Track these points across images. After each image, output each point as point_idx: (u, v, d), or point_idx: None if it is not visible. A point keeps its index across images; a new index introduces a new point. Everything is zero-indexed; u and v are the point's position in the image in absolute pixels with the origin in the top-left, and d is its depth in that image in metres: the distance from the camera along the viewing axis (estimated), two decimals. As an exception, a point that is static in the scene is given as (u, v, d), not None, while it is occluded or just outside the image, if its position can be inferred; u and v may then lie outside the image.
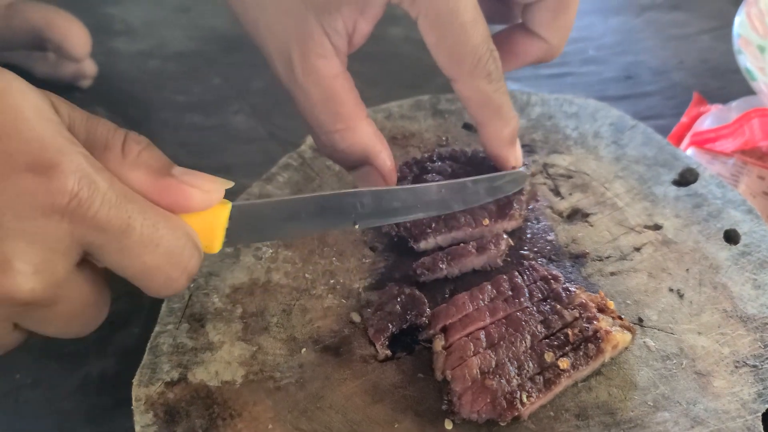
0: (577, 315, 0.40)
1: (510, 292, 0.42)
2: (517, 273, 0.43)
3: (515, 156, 0.47)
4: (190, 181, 0.35)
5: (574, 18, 0.45)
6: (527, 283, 0.42)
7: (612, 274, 0.45)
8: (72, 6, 0.72)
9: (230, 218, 0.36)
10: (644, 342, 0.41)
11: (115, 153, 0.33)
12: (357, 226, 0.40)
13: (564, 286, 0.42)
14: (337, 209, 0.40)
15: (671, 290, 0.44)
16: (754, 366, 0.40)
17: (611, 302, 0.41)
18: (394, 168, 0.44)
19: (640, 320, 0.42)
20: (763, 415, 0.38)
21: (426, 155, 0.50)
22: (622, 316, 0.41)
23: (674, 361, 0.40)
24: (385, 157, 0.43)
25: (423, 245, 0.46)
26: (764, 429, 0.37)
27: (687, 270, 0.45)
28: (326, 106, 0.41)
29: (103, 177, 0.31)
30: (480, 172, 0.48)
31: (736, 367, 0.40)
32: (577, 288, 0.41)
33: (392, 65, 0.78)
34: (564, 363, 0.38)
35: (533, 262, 0.44)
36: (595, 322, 0.39)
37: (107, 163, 0.33)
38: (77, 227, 0.30)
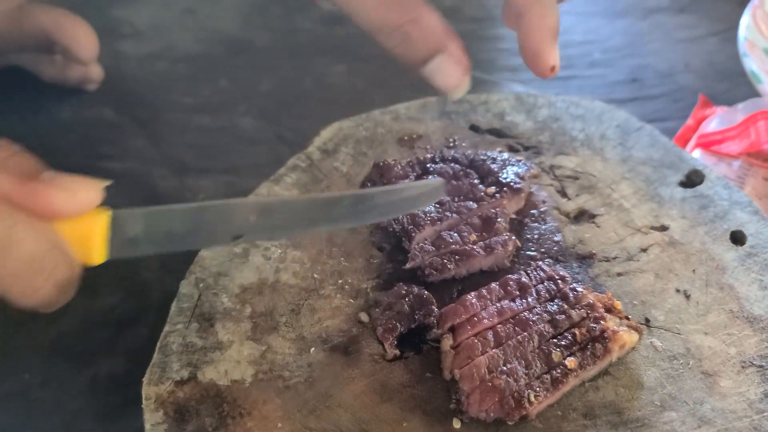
0: (585, 315, 0.40)
1: (517, 293, 0.42)
2: (524, 273, 0.43)
3: (555, 54, 0.43)
4: (59, 184, 0.33)
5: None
6: (534, 283, 0.42)
7: (619, 274, 0.45)
8: (80, 9, 0.72)
9: (113, 227, 0.35)
10: (651, 342, 0.41)
11: None
12: (238, 240, 0.38)
13: (571, 286, 0.42)
14: (218, 222, 0.37)
15: (678, 291, 0.44)
16: (761, 366, 0.40)
17: (618, 302, 0.41)
18: (466, 55, 0.42)
19: (647, 320, 0.43)
20: (771, 415, 0.38)
21: (429, 156, 0.50)
22: (629, 317, 0.41)
23: (681, 361, 0.40)
24: (457, 42, 0.41)
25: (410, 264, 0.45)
26: (772, 429, 0.38)
27: (693, 271, 0.45)
28: (391, 3, 0.39)
29: None
30: (482, 176, 0.48)
31: (743, 367, 0.40)
32: (584, 288, 0.42)
33: (399, 66, 0.78)
34: (571, 362, 0.38)
35: (540, 263, 0.44)
36: (602, 322, 0.40)
37: None
38: None
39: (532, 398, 0.37)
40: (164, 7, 0.87)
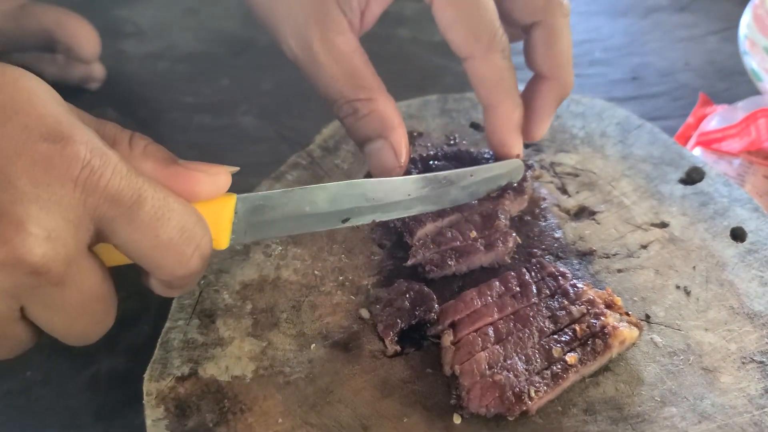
0: (585, 311, 0.40)
1: (518, 289, 0.42)
2: (524, 270, 0.43)
3: (520, 145, 0.47)
4: (197, 168, 0.36)
5: (570, 48, 0.46)
6: (535, 279, 0.43)
7: (619, 271, 0.45)
8: (82, 8, 0.73)
9: (236, 211, 0.37)
10: (651, 338, 0.41)
11: (123, 146, 0.34)
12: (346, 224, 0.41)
13: (572, 282, 0.42)
14: (330, 205, 0.40)
15: (678, 287, 0.44)
16: (761, 362, 0.40)
17: (618, 299, 0.41)
18: (408, 148, 0.44)
19: (647, 317, 0.43)
20: (771, 410, 0.38)
21: (431, 152, 0.51)
22: (629, 313, 0.41)
23: (681, 357, 0.41)
24: (400, 134, 0.44)
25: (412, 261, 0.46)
26: (772, 424, 0.38)
27: (694, 267, 0.45)
28: (348, 80, 0.42)
29: (114, 151, 0.32)
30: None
31: (743, 363, 0.40)
32: (584, 284, 0.42)
33: (400, 66, 0.78)
34: (572, 358, 0.38)
35: (541, 259, 0.44)
36: (602, 318, 0.40)
37: None
38: (89, 197, 0.31)
39: (533, 394, 0.37)
40: (166, 6, 0.88)
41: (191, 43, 0.82)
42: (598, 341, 0.39)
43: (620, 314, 0.41)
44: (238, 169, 0.37)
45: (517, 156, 0.46)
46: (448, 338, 0.40)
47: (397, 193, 0.42)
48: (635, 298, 0.44)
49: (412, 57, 0.79)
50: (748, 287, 0.44)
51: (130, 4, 0.88)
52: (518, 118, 0.45)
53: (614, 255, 0.46)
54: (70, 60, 0.72)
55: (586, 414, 0.38)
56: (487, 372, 0.38)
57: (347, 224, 0.41)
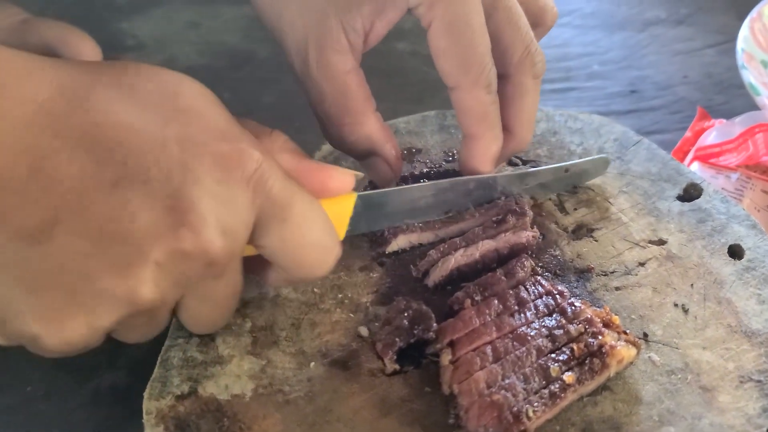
0: (583, 330, 0.40)
1: (516, 307, 0.42)
2: (523, 288, 0.43)
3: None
4: (330, 166, 0.39)
5: (534, 109, 0.48)
6: (533, 298, 0.43)
7: (617, 289, 0.46)
8: (83, 22, 0.73)
9: (355, 206, 0.40)
10: (649, 357, 0.42)
11: (264, 140, 0.37)
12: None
13: (570, 301, 0.42)
14: (453, 195, 0.46)
15: (676, 305, 0.45)
16: (759, 381, 0.40)
17: (616, 317, 0.41)
18: (399, 157, 0.47)
19: (645, 335, 0.43)
20: (768, 430, 0.38)
21: (425, 170, 0.51)
22: (627, 331, 0.41)
23: (679, 376, 0.41)
24: (390, 148, 0.46)
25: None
26: (769, 444, 0.38)
27: (691, 285, 0.46)
28: (337, 101, 0.44)
29: (270, 155, 0.35)
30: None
31: (741, 382, 0.40)
32: (582, 303, 0.42)
33: (399, 79, 0.78)
34: (569, 378, 0.38)
35: (539, 278, 0.44)
36: (600, 337, 0.40)
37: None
38: (257, 197, 0.33)
39: (531, 413, 0.37)
40: (167, 20, 0.88)
41: (192, 57, 0.82)
42: (596, 360, 0.39)
43: (618, 333, 0.41)
44: (363, 175, 0.41)
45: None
46: (446, 357, 0.40)
47: (490, 188, 0.48)
48: (633, 316, 0.44)
49: (411, 70, 0.79)
50: (746, 305, 0.44)
51: (131, 18, 0.88)
52: (495, 151, 0.46)
53: (612, 272, 0.47)
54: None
55: (585, 434, 0.38)
56: (486, 391, 0.38)
57: (449, 215, 0.47)
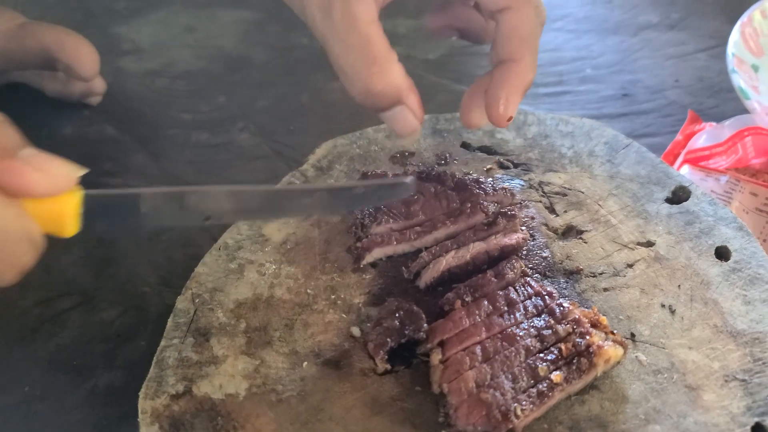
0: (571, 330, 0.41)
1: (505, 308, 0.43)
2: (512, 289, 0.44)
3: (515, 109, 0.47)
4: (37, 164, 0.34)
5: (537, 37, 0.46)
6: (522, 299, 0.43)
7: (605, 290, 0.46)
8: (81, 26, 0.74)
9: (85, 204, 0.36)
10: (636, 356, 0.42)
11: None
12: (208, 222, 0.40)
13: (558, 302, 0.43)
14: (191, 205, 0.39)
15: (663, 306, 0.45)
16: (743, 380, 0.41)
17: (604, 318, 0.42)
18: (422, 107, 0.46)
19: (633, 335, 0.44)
20: (752, 428, 0.39)
21: (416, 171, 0.52)
22: (615, 331, 0.42)
23: (665, 375, 0.41)
24: (415, 96, 0.45)
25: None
26: (752, 442, 0.38)
27: (679, 286, 0.46)
28: (363, 50, 0.43)
29: None
30: (463, 197, 0.49)
31: (726, 381, 0.41)
32: (570, 304, 0.43)
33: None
34: (557, 377, 0.39)
35: (528, 279, 0.45)
36: (587, 337, 0.41)
37: None
38: None
39: (519, 412, 0.38)
40: (164, 24, 0.89)
41: (189, 61, 0.83)
42: (584, 360, 0.40)
43: (605, 333, 0.41)
44: (86, 170, 0.36)
45: (509, 120, 0.46)
46: (436, 357, 0.41)
47: (244, 201, 0.41)
48: (621, 317, 0.45)
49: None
50: (732, 306, 0.45)
51: (129, 22, 0.89)
52: (530, 81, 0.46)
53: (601, 274, 0.47)
54: (70, 77, 0.73)
55: (571, 431, 0.39)
56: (475, 390, 0.38)
57: (209, 222, 0.40)
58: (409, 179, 0.43)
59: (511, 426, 0.37)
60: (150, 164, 0.69)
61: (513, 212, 0.48)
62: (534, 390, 0.39)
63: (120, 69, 0.81)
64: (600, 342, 0.40)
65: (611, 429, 0.39)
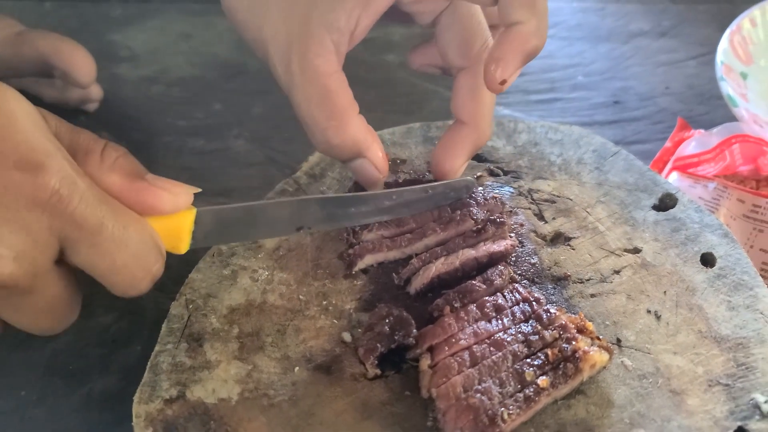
0: (557, 335, 0.42)
1: (494, 314, 0.44)
2: (500, 295, 0.45)
3: (461, 170, 0.50)
4: (161, 185, 0.39)
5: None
6: (510, 305, 0.44)
7: (592, 296, 0.47)
8: (78, 33, 0.75)
9: (196, 222, 0.41)
10: (622, 361, 0.43)
11: (94, 157, 0.37)
12: (309, 230, 0.45)
13: (545, 308, 0.44)
14: (288, 216, 0.44)
15: (649, 312, 0.46)
16: (727, 385, 0.42)
17: (590, 323, 0.43)
18: (385, 159, 0.48)
19: (619, 341, 0.44)
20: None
21: (408, 178, 0.53)
22: (601, 337, 0.42)
23: (650, 380, 0.42)
24: (376, 150, 0.47)
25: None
26: (735, 446, 0.39)
27: (664, 292, 0.47)
28: (320, 104, 0.44)
29: (83, 180, 0.35)
30: (454, 206, 0.50)
31: (710, 385, 0.42)
32: (557, 309, 0.43)
33: (387, 90, 0.80)
34: (544, 382, 0.40)
35: (516, 285, 0.46)
36: (574, 343, 0.41)
37: (87, 167, 0.37)
38: (56, 221, 0.34)
39: (506, 416, 0.38)
40: (160, 31, 0.90)
41: (184, 68, 0.84)
42: (570, 365, 0.40)
43: (591, 339, 0.42)
44: (199, 190, 0.41)
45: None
46: (425, 362, 0.42)
47: (347, 209, 0.47)
48: (607, 322, 0.45)
49: (400, 82, 0.81)
50: (716, 312, 0.46)
51: (125, 29, 0.90)
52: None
53: (588, 280, 0.48)
54: (67, 84, 0.73)
55: (559, 436, 0.40)
56: (463, 395, 0.39)
57: (301, 231, 0.45)
58: (469, 180, 0.49)
59: (498, 430, 0.38)
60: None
61: (502, 219, 0.49)
62: (521, 395, 0.39)
63: (116, 76, 0.82)
64: (586, 347, 0.41)
65: (596, 433, 0.40)
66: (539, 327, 0.42)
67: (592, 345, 0.42)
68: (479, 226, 0.48)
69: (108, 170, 0.37)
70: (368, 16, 0.44)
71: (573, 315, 0.44)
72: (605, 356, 0.41)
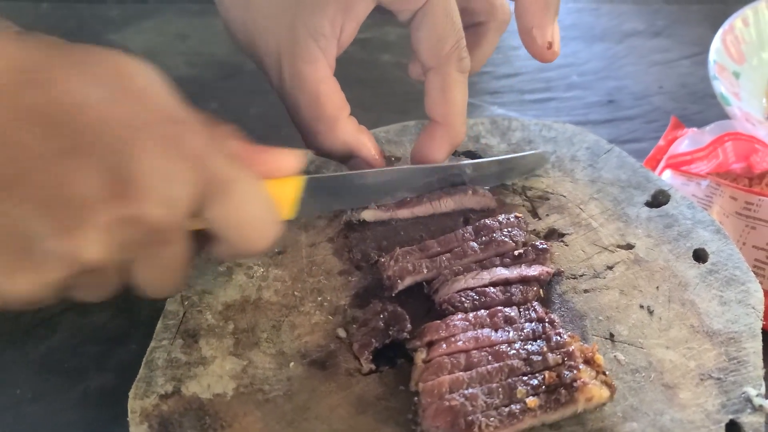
0: (560, 361, 0.40)
1: (502, 325, 0.43)
2: (516, 308, 0.44)
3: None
4: (278, 151, 0.42)
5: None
6: (523, 320, 0.43)
7: (585, 291, 0.47)
8: (75, 34, 0.75)
9: (307, 187, 0.43)
10: (615, 356, 0.43)
11: (213, 127, 0.39)
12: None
13: (557, 331, 0.42)
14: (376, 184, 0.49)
15: (642, 307, 0.46)
16: (719, 378, 0.42)
17: (600, 357, 0.41)
18: (380, 156, 0.49)
19: (612, 335, 0.45)
20: (726, 425, 0.40)
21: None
22: (607, 373, 0.40)
23: (643, 374, 0.42)
24: (369, 148, 0.48)
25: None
26: (727, 439, 0.40)
27: (657, 287, 0.47)
28: (310, 109, 0.46)
29: (216, 140, 0.37)
30: (477, 229, 0.50)
31: (702, 379, 0.42)
32: (569, 336, 0.42)
33: (383, 89, 0.80)
34: (532, 402, 0.38)
35: (535, 303, 0.44)
36: (575, 371, 0.40)
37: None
38: (198, 173, 0.35)
39: (483, 426, 0.37)
40: (157, 32, 0.90)
41: (182, 68, 0.84)
42: (564, 392, 0.39)
43: (597, 372, 0.40)
44: (309, 152, 0.45)
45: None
46: (420, 356, 0.42)
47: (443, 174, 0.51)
48: (600, 318, 0.46)
49: (396, 81, 0.81)
50: (708, 306, 0.46)
51: (122, 30, 0.90)
52: (457, 143, 0.50)
53: (581, 276, 0.48)
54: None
55: (550, 429, 0.40)
56: (447, 396, 0.39)
57: (389, 198, 0.50)
58: (542, 151, 0.54)
59: None
60: (142, 170, 0.70)
61: (544, 246, 0.48)
62: (506, 409, 0.38)
63: (113, 76, 0.82)
64: (587, 379, 0.39)
65: (589, 426, 0.40)
66: (545, 348, 0.41)
67: (595, 378, 0.40)
68: (520, 251, 0.48)
69: (227, 137, 0.39)
70: (351, 21, 0.46)
71: (586, 345, 0.42)
72: (605, 393, 0.39)
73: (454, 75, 0.48)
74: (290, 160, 0.42)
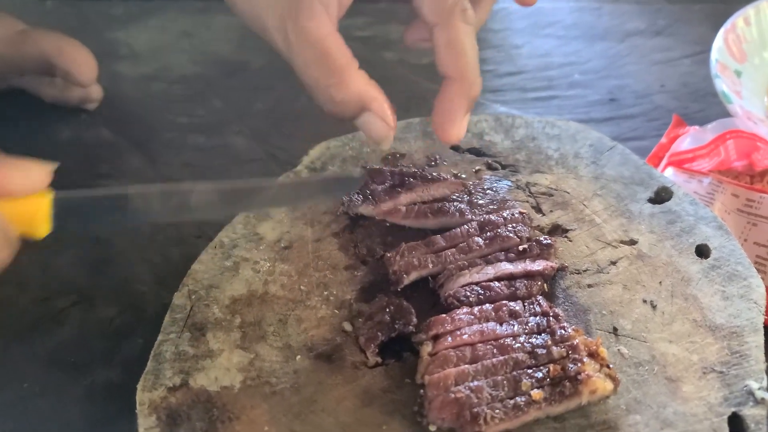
0: (565, 354, 0.41)
1: (507, 318, 0.43)
2: (520, 303, 0.44)
3: (464, 127, 0.48)
4: (13, 166, 0.37)
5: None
6: (527, 314, 0.44)
7: (589, 286, 0.48)
8: (79, 32, 0.75)
9: (55, 206, 0.39)
10: (618, 350, 0.44)
11: None
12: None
13: (562, 325, 0.42)
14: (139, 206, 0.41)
15: (645, 301, 0.47)
16: (721, 372, 0.42)
17: (603, 350, 0.41)
18: (392, 110, 0.47)
19: (615, 329, 0.45)
20: (729, 418, 0.40)
21: (413, 170, 0.53)
22: (611, 366, 0.41)
23: (646, 368, 0.43)
24: (381, 101, 0.46)
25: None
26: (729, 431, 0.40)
27: (660, 282, 0.48)
28: (319, 64, 0.44)
29: None
30: (482, 224, 0.50)
31: (704, 373, 0.42)
32: (573, 330, 0.42)
33: (386, 87, 0.79)
34: (537, 395, 0.39)
35: (539, 297, 0.45)
36: (579, 364, 0.40)
37: None
38: None
39: (488, 418, 0.38)
40: (161, 29, 0.90)
41: (185, 66, 0.84)
42: (569, 385, 0.39)
43: (601, 365, 0.41)
44: (57, 164, 0.39)
45: (458, 140, 0.48)
46: (426, 349, 0.42)
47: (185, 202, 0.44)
48: (604, 312, 0.46)
49: (399, 79, 0.81)
50: (711, 301, 0.46)
51: (126, 28, 0.90)
52: (474, 97, 0.47)
53: (585, 271, 0.49)
54: (68, 83, 0.74)
55: (555, 421, 0.40)
56: (453, 388, 0.39)
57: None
58: (357, 172, 0.47)
59: (478, 429, 0.38)
60: (146, 167, 0.70)
61: (549, 242, 0.48)
62: (511, 401, 0.39)
63: (117, 73, 0.83)
64: (591, 372, 0.40)
65: (593, 419, 0.40)
66: (549, 342, 0.41)
67: (599, 371, 0.40)
68: (524, 246, 0.48)
69: None
70: None
71: (590, 339, 0.42)
72: (609, 385, 0.40)
73: (460, 26, 0.46)
74: (32, 171, 0.38)
